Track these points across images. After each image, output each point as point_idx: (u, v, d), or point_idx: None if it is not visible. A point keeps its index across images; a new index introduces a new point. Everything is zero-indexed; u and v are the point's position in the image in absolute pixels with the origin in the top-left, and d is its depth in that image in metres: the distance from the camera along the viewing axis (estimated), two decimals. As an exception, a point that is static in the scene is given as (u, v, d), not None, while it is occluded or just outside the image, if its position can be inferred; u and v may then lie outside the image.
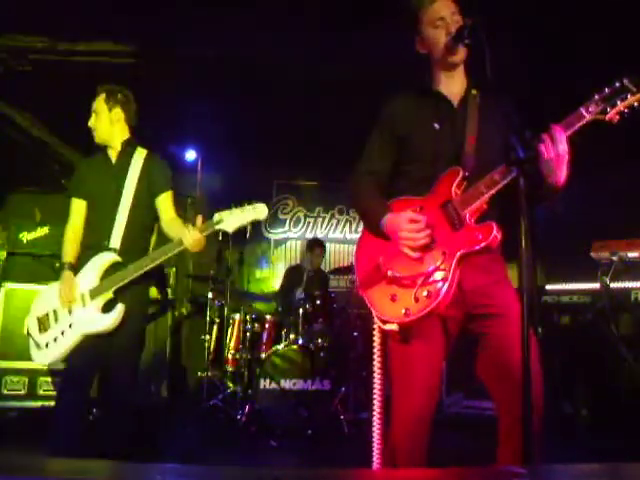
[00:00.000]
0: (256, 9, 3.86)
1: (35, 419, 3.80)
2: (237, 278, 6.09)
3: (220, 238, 4.88)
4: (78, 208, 2.84)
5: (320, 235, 6.80)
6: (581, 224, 3.80)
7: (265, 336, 4.64)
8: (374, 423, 2.02)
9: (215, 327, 5.17)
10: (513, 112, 1.95)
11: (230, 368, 4.82)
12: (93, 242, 2.75)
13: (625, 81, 1.69)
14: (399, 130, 1.99)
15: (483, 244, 1.73)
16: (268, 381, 4.07)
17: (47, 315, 2.73)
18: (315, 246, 5.67)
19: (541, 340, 3.85)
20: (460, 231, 1.79)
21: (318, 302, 4.53)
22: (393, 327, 1.81)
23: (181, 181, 6.64)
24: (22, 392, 4.00)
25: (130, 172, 2.80)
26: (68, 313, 2.65)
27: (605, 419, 3.45)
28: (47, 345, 2.67)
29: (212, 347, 5.08)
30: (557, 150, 1.69)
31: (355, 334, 4.70)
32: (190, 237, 2.51)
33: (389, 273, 1.83)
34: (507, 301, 1.86)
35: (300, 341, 4.23)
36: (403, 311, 1.78)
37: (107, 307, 2.63)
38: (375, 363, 2.02)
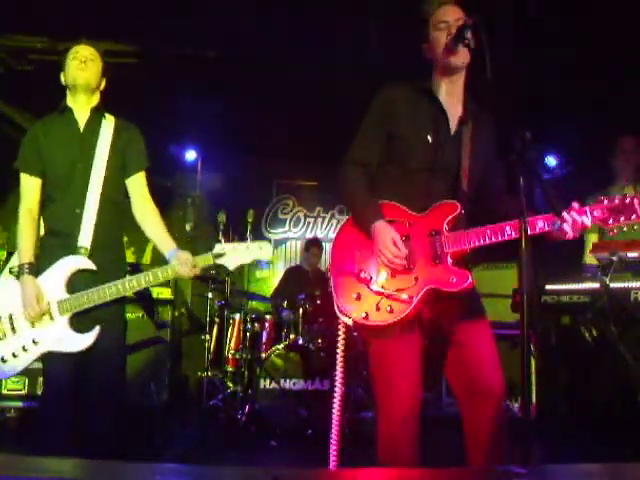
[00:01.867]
0: (256, 9, 3.86)
1: (35, 419, 3.80)
2: (237, 278, 6.09)
3: (220, 238, 4.90)
4: (32, 187, 2.39)
5: (320, 235, 6.79)
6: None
7: (265, 336, 4.64)
8: (333, 419, 2.03)
9: (215, 327, 5.17)
10: (495, 138, 2.03)
11: (230, 368, 4.81)
12: (58, 229, 2.36)
13: (635, 201, 1.72)
14: (391, 126, 1.98)
15: (454, 290, 1.79)
16: (268, 381, 4.07)
17: (0, 320, 2.30)
18: (312, 246, 5.68)
19: (541, 340, 3.85)
20: (438, 266, 1.83)
21: (318, 302, 4.53)
22: (347, 321, 1.89)
23: (181, 181, 6.67)
24: (22, 392, 3.99)
25: (100, 143, 2.39)
26: (30, 324, 2.26)
27: (605, 419, 3.44)
28: (4, 360, 2.26)
29: (212, 347, 5.07)
30: (577, 232, 1.77)
31: (355, 334, 4.68)
32: (184, 270, 2.25)
33: (362, 274, 1.87)
34: (476, 305, 1.96)
35: (300, 341, 4.22)
36: (363, 314, 1.84)
37: (75, 320, 2.28)
38: (338, 357, 2.04)
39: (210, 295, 5.08)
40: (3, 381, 3.97)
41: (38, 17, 3.92)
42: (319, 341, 4.25)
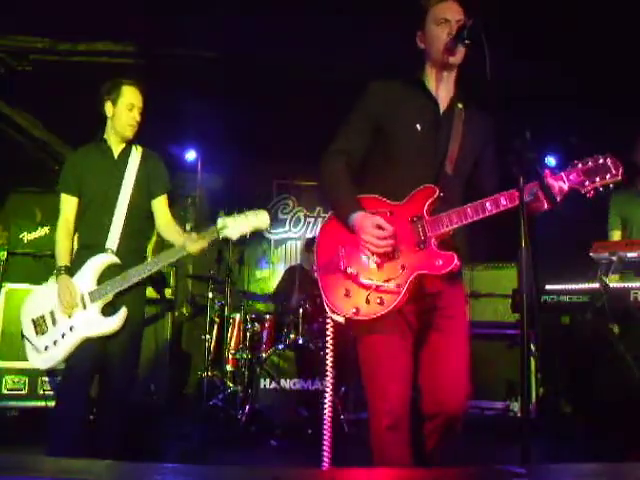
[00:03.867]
0: (256, 9, 3.86)
1: (35, 419, 3.80)
2: (237, 278, 6.08)
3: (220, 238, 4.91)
4: (70, 205, 2.76)
5: (320, 235, 6.78)
6: (580, 224, 3.80)
7: (265, 336, 4.64)
8: (325, 418, 2.10)
9: (215, 327, 5.17)
10: (493, 135, 2.02)
11: (230, 368, 4.81)
12: (90, 242, 2.72)
13: (608, 160, 1.77)
14: (380, 120, 1.98)
15: (441, 272, 1.80)
16: (268, 381, 4.07)
17: (43, 317, 2.68)
18: (312, 245, 5.66)
19: (541, 340, 3.85)
20: (423, 251, 1.83)
21: (318, 302, 4.53)
22: (339, 319, 1.89)
23: (181, 181, 6.65)
24: (22, 392, 3.99)
25: (128, 171, 2.77)
26: (67, 316, 2.61)
27: (604, 419, 3.45)
28: (46, 348, 2.63)
29: (212, 347, 5.07)
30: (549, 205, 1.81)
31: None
32: (194, 246, 2.57)
33: (348, 270, 1.87)
34: (459, 307, 1.98)
35: (300, 341, 4.23)
36: (353, 310, 1.85)
37: (106, 309, 2.62)
38: (328, 352, 2.08)
39: (210, 295, 5.08)
40: (3, 381, 3.98)
41: (38, 17, 3.92)
42: (319, 341, 4.25)
